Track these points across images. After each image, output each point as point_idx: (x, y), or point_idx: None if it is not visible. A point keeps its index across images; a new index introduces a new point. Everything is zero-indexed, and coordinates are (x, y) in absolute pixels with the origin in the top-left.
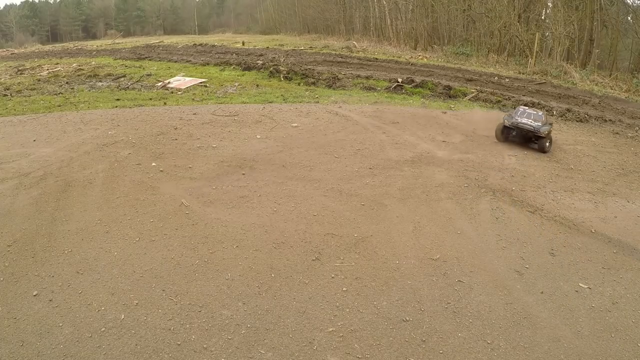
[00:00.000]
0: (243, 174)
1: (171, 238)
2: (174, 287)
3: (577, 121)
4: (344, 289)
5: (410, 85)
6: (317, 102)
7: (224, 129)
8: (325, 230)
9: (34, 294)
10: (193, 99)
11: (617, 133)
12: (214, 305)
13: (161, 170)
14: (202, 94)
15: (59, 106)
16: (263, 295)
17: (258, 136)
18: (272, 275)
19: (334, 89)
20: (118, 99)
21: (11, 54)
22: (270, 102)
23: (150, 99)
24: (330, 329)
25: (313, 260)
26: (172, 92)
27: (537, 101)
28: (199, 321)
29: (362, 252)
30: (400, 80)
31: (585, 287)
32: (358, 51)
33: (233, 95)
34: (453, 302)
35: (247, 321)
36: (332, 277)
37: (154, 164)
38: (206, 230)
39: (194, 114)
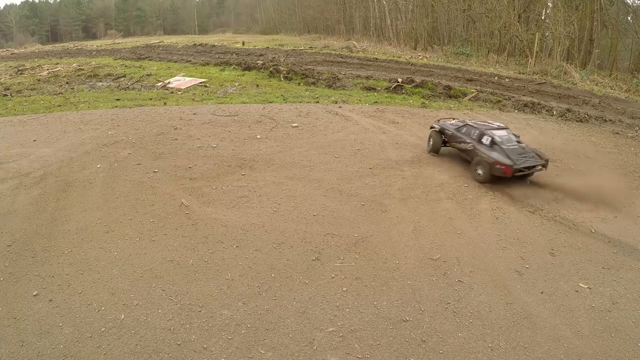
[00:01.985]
0: (243, 174)
1: (171, 238)
2: (174, 287)
3: (577, 121)
4: (344, 289)
5: (410, 85)
6: (317, 102)
7: (224, 129)
8: (325, 230)
9: (34, 294)
10: (193, 99)
11: (617, 133)
12: (214, 305)
13: (161, 170)
14: (202, 94)
15: (59, 106)
16: (263, 295)
17: (258, 136)
18: (272, 275)
19: (334, 89)
20: (118, 99)
21: (11, 54)
22: (270, 102)
23: (150, 99)
24: (330, 329)
25: (313, 260)
26: (172, 92)
27: (537, 101)
28: (199, 321)
29: (362, 252)
30: (400, 80)
31: (585, 287)
32: (358, 51)
33: (233, 95)
34: (453, 302)
35: (247, 321)
36: (332, 277)
37: (154, 163)
38: (206, 230)
39: (194, 114)
